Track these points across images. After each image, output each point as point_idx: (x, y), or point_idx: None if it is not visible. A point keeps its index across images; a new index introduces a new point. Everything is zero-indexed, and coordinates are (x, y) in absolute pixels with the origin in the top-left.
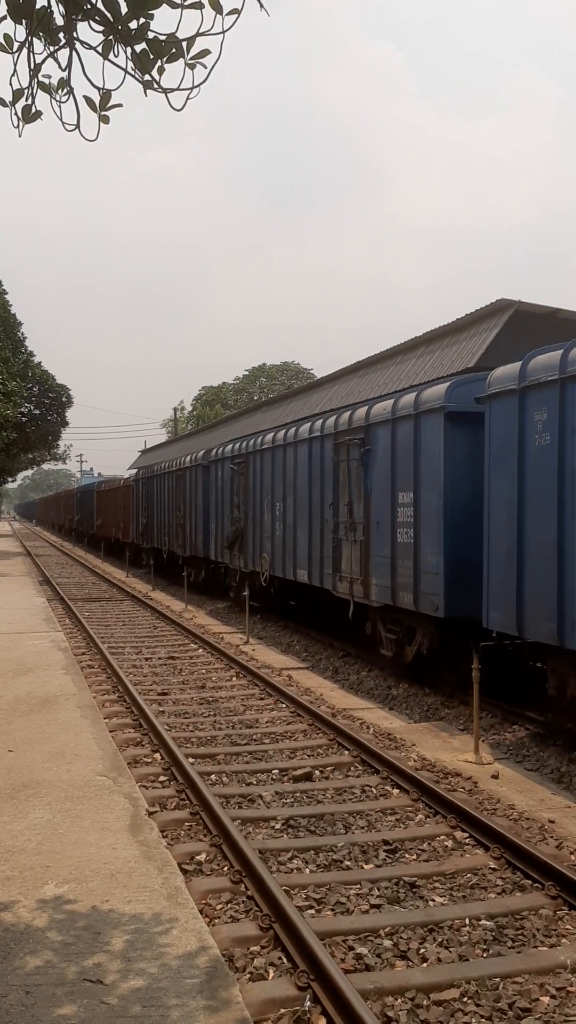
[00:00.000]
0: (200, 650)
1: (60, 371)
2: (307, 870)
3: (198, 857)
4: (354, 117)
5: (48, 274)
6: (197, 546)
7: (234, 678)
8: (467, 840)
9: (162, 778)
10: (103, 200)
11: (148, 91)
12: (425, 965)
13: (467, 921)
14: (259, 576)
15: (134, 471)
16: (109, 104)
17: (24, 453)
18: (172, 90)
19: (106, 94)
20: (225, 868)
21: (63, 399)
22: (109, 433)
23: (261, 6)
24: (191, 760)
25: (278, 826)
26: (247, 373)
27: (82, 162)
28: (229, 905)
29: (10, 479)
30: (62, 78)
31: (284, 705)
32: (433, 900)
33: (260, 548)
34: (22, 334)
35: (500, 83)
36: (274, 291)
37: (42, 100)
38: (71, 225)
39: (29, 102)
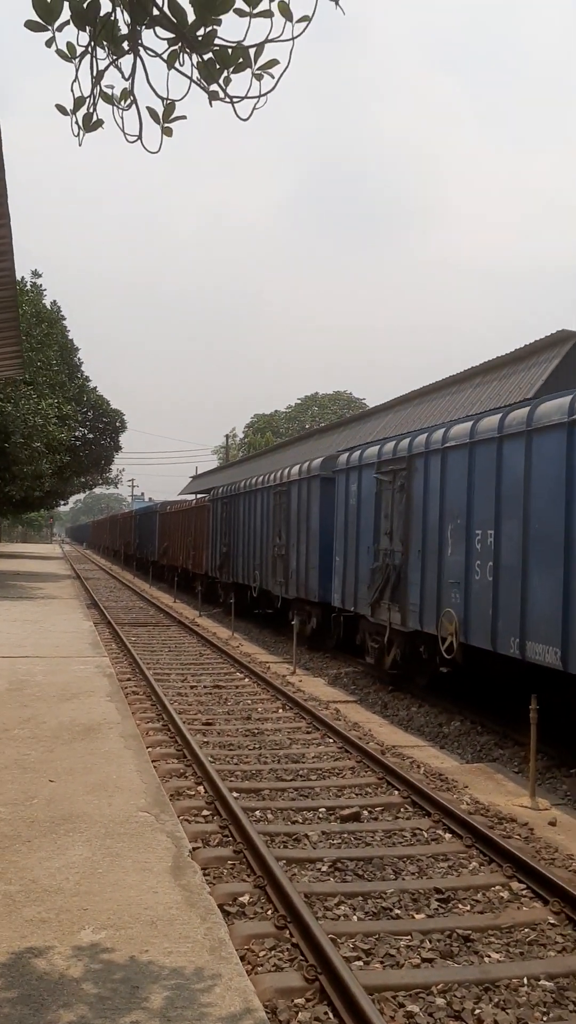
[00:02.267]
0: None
1: (114, 397)
2: (355, 917)
3: (241, 899)
4: (414, 149)
5: (106, 300)
6: (309, 586)
7: (280, 709)
8: (524, 891)
9: (205, 812)
10: (162, 231)
11: (214, 101)
12: None
13: (525, 980)
14: (436, 641)
15: (190, 495)
16: (172, 116)
17: (77, 476)
18: (239, 99)
19: (170, 105)
20: (269, 912)
21: (117, 424)
22: (161, 459)
23: (336, 4)
24: (235, 795)
25: (324, 868)
26: (299, 401)
27: (144, 192)
28: (273, 952)
29: (62, 502)
30: (125, 88)
31: (331, 740)
32: (488, 956)
33: (439, 599)
34: (79, 359)
35: (560, 116)
36: (328, 323)
37: (104, 111)
38: (131, 255)
39: (91, 110)
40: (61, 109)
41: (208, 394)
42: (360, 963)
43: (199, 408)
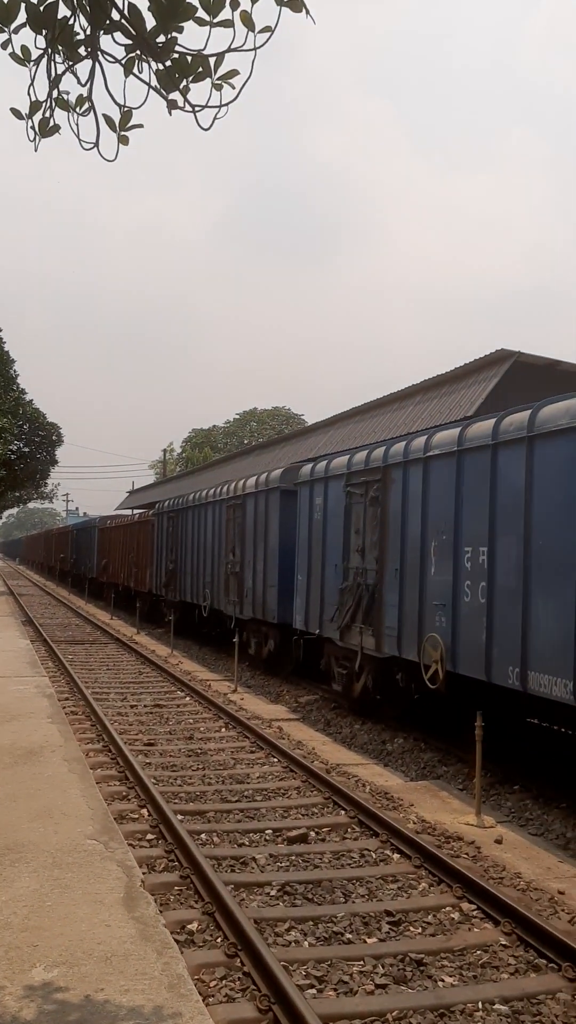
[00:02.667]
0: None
1: (49, 410)
2: (306, 943)
3: (190, 926)
4: (348, 172)
5: (39, 312)
6: (266, 606)
7: (223, 728)
8: (475, 912)
9: (149, 836)
10: (95, 243)
11: (173, 110)
12: None
13: (480, 1005)
14: (415, 668)
15: (127, 510)
16: (129, 124)
17: (11, 491)
18: (200, 107)
19: (127, 113)
20: (219, 939)
21: (53, 437)
22: (96, 473)
23: (307, 12)
24: (180, 817)
25: (273, 892)
26: (238, 416)
27: (75, 204)
28: (224, 982)
29: None
30: (81, 95)
31: (276, 759)
32: (443, 980)
33: (421, 623)
34: (14, 371)
35: (491, 141)
36: (264, 339)
37: (60, 117)
38: (64, 265)
39: (48, 115)
40: (16, 113)
41: (145, 408)
42: (313, 991)
43: (135, 422)
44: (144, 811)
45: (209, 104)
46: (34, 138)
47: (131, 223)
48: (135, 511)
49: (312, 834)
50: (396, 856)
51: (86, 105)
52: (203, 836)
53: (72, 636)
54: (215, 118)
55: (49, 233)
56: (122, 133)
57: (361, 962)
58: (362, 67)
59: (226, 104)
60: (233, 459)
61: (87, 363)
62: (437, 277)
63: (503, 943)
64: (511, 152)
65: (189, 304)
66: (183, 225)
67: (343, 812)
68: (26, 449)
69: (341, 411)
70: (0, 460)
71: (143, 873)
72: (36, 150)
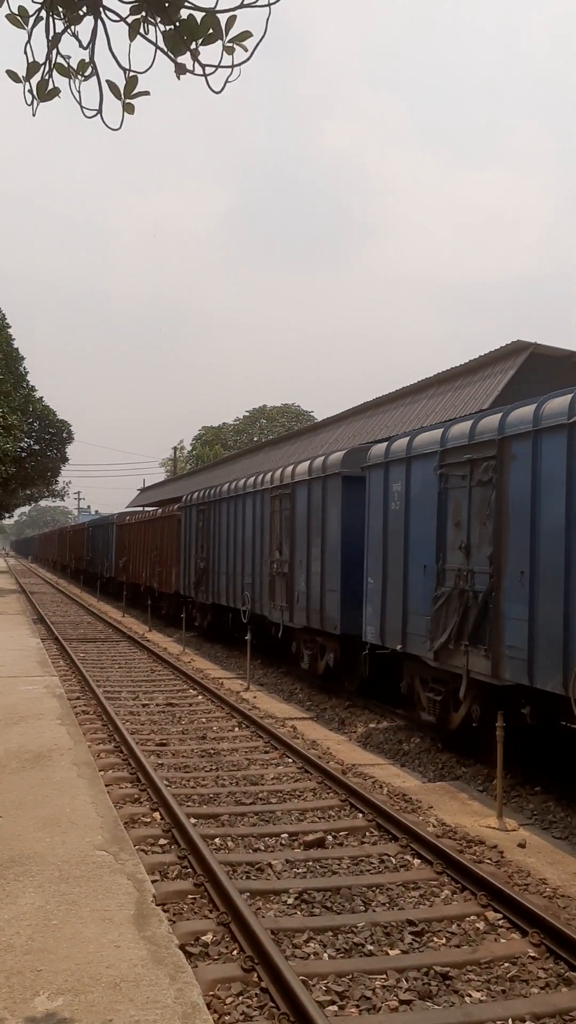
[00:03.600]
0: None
1: (60, 407)
2: (325, 955)
3: (204, 938)
4: (356, 168)
5: (49, 310)
6: (324, 614)
7: (236, 728)
8: (501, 922)
9: (162, 841)
10: (106, 241)
11: (182, 74)
12: None
13: (510, 1022)
14: (561, 704)
15: (138, 508)
16: (135, 91)
17: (22, 488)
18: (212, 68)
19: (132, 78)
20: (235, 952)
21: (64, 435)
22: (107, 471)
23: None
24: (193, 821)
25: (291, 900)
26: (248, 414)
27: (84, 203)
28: (241, 999)
29: (7, 515)
30: (83, 59)
31: (291, 759)
32: (470, 995)
33: (569, 643)
34: (24, 368)
35: (500, 135)
36: (274, 336)
37: (61, 84)
38: (74, 264)
39: (46, 77)
40: (12, 75)
41: (155, 406)
42: (335, 1007)
43: (145, 420)
44: (156, 815)
45: (221, 64)
46: (31, 102)
47: (140, 221)
48: (146, 508)
49: (329, 838)
50: (417, 861)
51: (88, 70)
52: (217, 841)
53: (83, 634)
54: (227, 80)
55: (59, 233)
56: (127, 101)
57: (384, 976)
58: (372, 61)
59: (238, 64)
60: (244, 456)
61: (97, 360)
62: (445, 273)
63: (532, 955)
64: (520, 145)
65: (198, 301)
66: (191, 222)
67: (360, 815)
68: (36, 446)
69: (351, 407)
70: (10, 457)
71: (155, 881)
72: (34, 115)
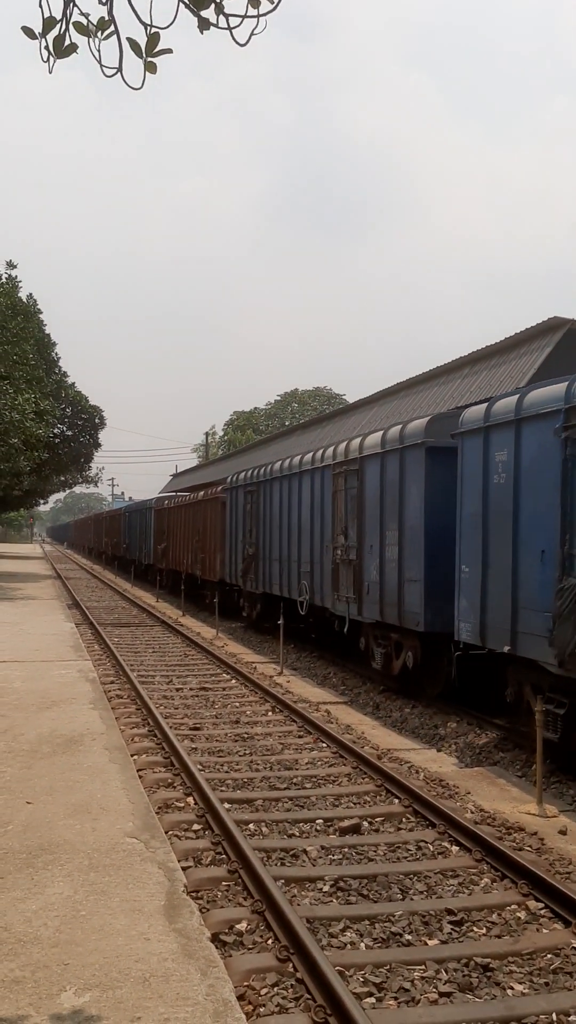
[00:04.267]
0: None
1: (91, 393)
2: (362, 945)
3: (238, 926)
4: (388, 144)
5: (82, 296)
6: (403, 607)
7: (269, 712)
8: (543, 911)
9: (196, 827)
10: (138, 225)
11: (204, 30)
12: None
13: (555, 1017)
14: None
15: (171, 493)
16: (157, 49)
17: (56, 475)
18: (238, 19)
19: (154, 35)
20: (269, 941)
21: (96, 420)
22: (139, 457)
23: None
24: (227, 806)
25: (326, 888)
26: (279, 398)
27: (117, 187)
28: (275, 989)
29: (42, 501)
30: (102, 17)
31: (325, 744)
32: (512, 987)
33: None
34: (56, 354)
35: (532, 112)
36: (308, 317)
37: (79, 43)
38: (105, 247)
39: (62, 31)
40: (28, 31)
41: (186, 391)
42: (372, 999)
43: (180, 406)
44: (189, 799)
45: (248, 15)
46: (48, 59)
47: (173, 204)
48: (178, 493)
49: (365, 824)
50: (455, 848)
51: (109, 28)
52: (251, 826)
53: (117, 619)
54: (252, 33)
55: (91, 217)
56: (149, 60)
57: (423, 967)
58: (403, 39)
59: (264, 14)
60: (274, 440)
61: (129, 347)
62: (481, 249)
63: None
64: (553, 121)
65: (230, 285)
66: (224, 205)
67: (397, 800)
68: (69, 432)
69: (384, 388)
70: (43, 443)
71: (188, 868)
72: (51, 71)
